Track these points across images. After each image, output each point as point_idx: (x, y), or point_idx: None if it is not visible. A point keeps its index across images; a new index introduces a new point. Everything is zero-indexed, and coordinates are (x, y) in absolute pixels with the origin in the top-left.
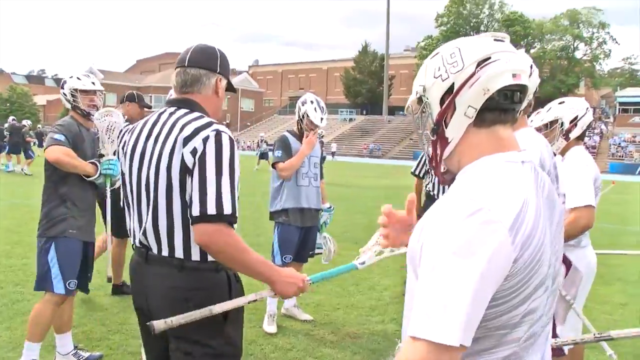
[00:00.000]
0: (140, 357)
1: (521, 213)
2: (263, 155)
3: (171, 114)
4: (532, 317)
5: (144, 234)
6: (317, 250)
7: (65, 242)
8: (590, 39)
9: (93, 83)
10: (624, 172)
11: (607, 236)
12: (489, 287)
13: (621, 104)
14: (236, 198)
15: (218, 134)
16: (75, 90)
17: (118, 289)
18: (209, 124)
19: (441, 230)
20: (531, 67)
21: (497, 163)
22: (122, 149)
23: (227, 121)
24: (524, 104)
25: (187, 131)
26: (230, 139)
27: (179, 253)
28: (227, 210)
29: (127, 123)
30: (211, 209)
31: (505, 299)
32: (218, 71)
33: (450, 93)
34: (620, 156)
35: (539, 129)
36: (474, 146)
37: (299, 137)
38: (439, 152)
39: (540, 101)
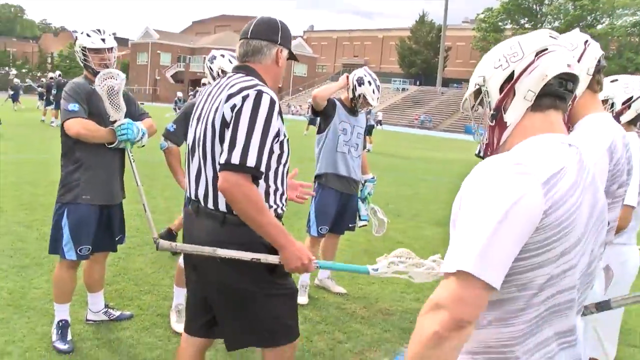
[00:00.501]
0: (169, 320)
1: (557, 175)
2: (312, 121)
3: (228, 77)
4: (558, 283)
5: (196, 187)
6: (361, 223)
7: (78, 208)
8: None
9: (103, 40)
10: None
11: None
12: (515, 230)
13: None
14: (265, 155)
15: (259, 94)
16: (85, 48)
17: (169, 235)
18: (253, 85)
19: (479, 179)
20: (586, 42)
21: (544, 138)
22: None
23: (279, 85)
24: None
25: (233, 89)
26: (272, 99)
27: (222, 206)
28: (251, 162)
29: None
30: (235, 159)
31: (532, 253)
32: (279, 42)
33: (510, 81)
34: None
35: None
36: (528, 128)
37: (350, 110)
38: (496, 137)
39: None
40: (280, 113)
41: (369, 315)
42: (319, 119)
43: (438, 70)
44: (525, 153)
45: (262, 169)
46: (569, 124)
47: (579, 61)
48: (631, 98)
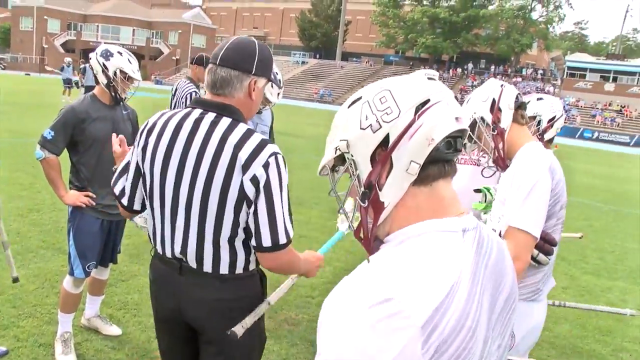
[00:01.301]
0: (53, 351)
1: (443, 305)
2: None
3: (214, 123)
4: None
5: (182, 252)
6: None
7: None
8: (548, 1)
9: None
10: (565, 135)
11: None
12: None
13: (569, 68)
14: None
15: (276, 158)
16: None
17: None
18: (263, 144)
19: (338, 319)
20: (502, 85)
21: (429, 234)
22: (143, 148)
23: (177, 57)
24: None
25: (244, 154)
26: (283, 157)
27: (223, 270)
28: (292, 234)
29: (190, 83)
30: (282, 238)
31: None
32: (253, 72)
33: (384, 147)
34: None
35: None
36: (412, 210)
37: None
38: (371, 219)
39: (494, 59)
40: None
41: (274, 327)
42: None
43: (338, 44)
44: (398, 276)
45: None
46: (507, 159)
47: (498, 100)
48: (554, 117)
